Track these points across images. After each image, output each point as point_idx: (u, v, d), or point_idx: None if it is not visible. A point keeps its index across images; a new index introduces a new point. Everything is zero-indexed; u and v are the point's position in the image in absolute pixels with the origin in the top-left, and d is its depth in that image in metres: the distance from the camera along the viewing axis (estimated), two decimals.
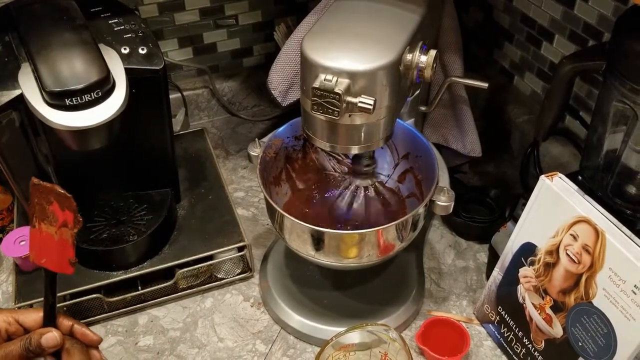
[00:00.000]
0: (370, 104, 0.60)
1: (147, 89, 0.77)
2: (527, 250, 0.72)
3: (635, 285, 0.60)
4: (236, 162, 1.11)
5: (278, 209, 0.71)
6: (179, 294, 0.87)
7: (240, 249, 0.88)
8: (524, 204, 0.71)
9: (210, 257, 0.87)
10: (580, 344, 0.67)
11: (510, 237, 0.74)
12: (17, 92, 0.69)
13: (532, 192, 0.70)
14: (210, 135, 1.14)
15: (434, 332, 0.78)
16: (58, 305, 0.78)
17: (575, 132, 0.93)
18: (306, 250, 0.73)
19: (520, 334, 0.75)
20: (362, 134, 0.67)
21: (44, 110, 0.68)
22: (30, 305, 0.80)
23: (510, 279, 0.75)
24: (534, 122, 0.96)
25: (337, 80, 0.60)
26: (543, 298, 0.71)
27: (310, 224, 0.69)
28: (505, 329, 0.78)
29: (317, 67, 0.62)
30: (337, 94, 0.60)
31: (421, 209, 0.71)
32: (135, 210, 0.89)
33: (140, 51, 0.75)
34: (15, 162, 0.77)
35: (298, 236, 0.72)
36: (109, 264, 0.84)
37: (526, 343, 0.75)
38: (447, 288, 0.88)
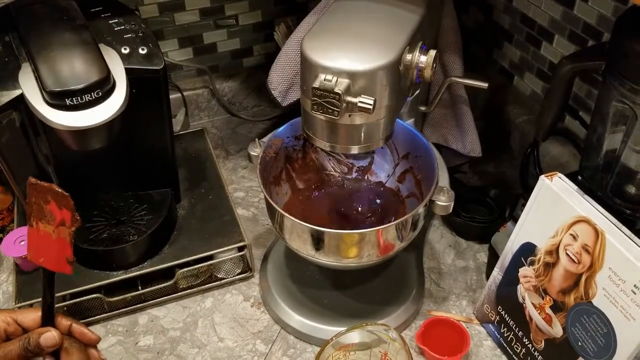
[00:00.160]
0: (370, 104, 0.60)
1: (147, 89, 0.77)
2: (527, 250, 0.72)
3: (635, 285, 0.60)
4: (236, 162, 1.11)
5: (278, 208, 0.71)
6: (179, 293, 0.87)
7: (240, 248, 0.88)
8: (524, 204, 0.71)
9: (211, 257, 0.87)
10: (580, 343, 0.67)
11: (510, 237, 0.74)
12: (17, 92, 0.69)
13: (531, 192, 0.70)
14: (210, 135, 1.14)
15: (434, 332, 0.78)
16: (58, 305, 0.79)
17: (575, 132, 0.93)
18: (306, 250, 0.73)
19: (520, 333, 0.75)
20: (362, 134, 0.67)
21: (44, 110, 0.68)
22: (31, 305, 0.80)
23: (510, 278, 0.75)
24: (533, 122, 0.96)
25: (337, 80, 0.60)
26: (543, 298, 0.71)
27: (310, 224, 0.69)
28: (505, 328, 0.78)
29: (317, 67, 0.62)
30: (337, 93, 0.60)
31: (421, 209, 0.71)
32: (135, 210, 0.90)
33: (141, 51, 0.75)
34: (16, 162, 0.77)
35: (298, 236, 0.72)
36: (109, 264, 0.84)
37: (526, 343, 0.75)
38: (447, 288, 0.88)
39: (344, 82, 0.61)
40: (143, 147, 0.86)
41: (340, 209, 0.86)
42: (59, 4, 0.75)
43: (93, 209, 0.89)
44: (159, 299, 0.86)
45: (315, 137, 0.69)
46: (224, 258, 0.87)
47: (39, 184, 0.57)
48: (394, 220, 0.69)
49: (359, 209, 0.86)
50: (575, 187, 0.67)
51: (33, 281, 0.82)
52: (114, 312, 0.84)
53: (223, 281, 0.88)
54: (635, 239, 0.61)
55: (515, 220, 0.74)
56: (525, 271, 0.73)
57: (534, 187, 0.70)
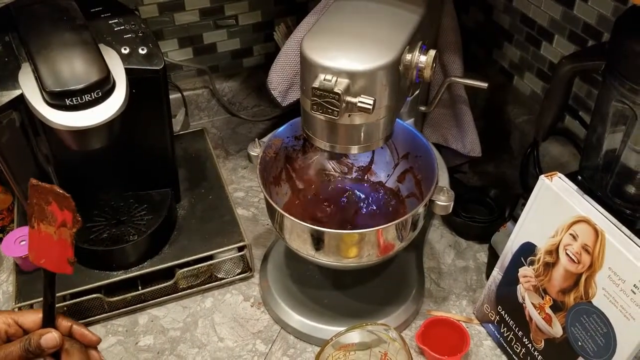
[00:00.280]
0: (370, 104, 0.60)
1: (147, 89, 0.77)
2: (527, 250, 0.72)
3: (634, 285, 0.60)
4: (236, 162, 1.11)
5: (278, 208, 0.71)
6: (179, 293, 0.87)
7: (240, 248, 0.88)
8: (524, 204, 0.71)
9: (211, 257, 0.87)
10: (579, 343, 0.67)
11: (510, 237, 0.74)
12: (17, 92, 0.69)
13: (531, 192, 0.70)
14: (210, 135, 1.14)
15: (434, 332, 0.78)
16: (58, 305, 0.79)
17: (575, 132, 0.93)
18: (306, 250, 0.73)
19: (520, 333, 0.75)
20: (362, 134, 0.67)
21: (44, 110, 0.68)
22: (31, 305, 0.80)
23: (510, 278, 0.75)
24: (533, 122, 0.96)
25: (336, 80, 0.60)
26: (543, 298, 0.71)
27: (310, 224, 0.69)
28: (505, 328, 0.78)
29: (317, 67, 0.62)
30: (337, 93, 0.60)
31: (421, 209, 0.71)
32: (135, 210, 0.90)
33: (141, 51, 0.75)
34: (16, 162, 0.77)
35: (298, 236, 0.72)
36: (109, 264, 0.84)
37: (526, 343, 0.75)
38: (447, 288, 0.88)
39: (343, 82, 0.61)
40: (143, 147, 0.87)
41: (340, 209, 0.86)
42: (59, 4, 0.75)
43: (93, 209, 0.89)
44: (159, 299, 0.86)
45: (315, 137, 0.69)
46: (224, 258, 0.87)
47: (41, 185, 0.57)
48: (394, 221, 0.69)
49: (359, 209, 0.86)
50: (575, 187, 0.67)
51: (33, 281, 0.82)
52: (114, 312, 0.84)
53: (223, 281, 0.88)
54: (635, 239, 0.61)
55: (515, 220, 0.74)
56: (525, 271, 0.73)
57: (533, 187, 0.70)
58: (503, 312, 0.78)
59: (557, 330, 0.70)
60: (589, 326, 0.65)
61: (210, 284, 0.88)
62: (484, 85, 0.80)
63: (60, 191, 0.57)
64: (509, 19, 1.02)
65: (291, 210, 0.83)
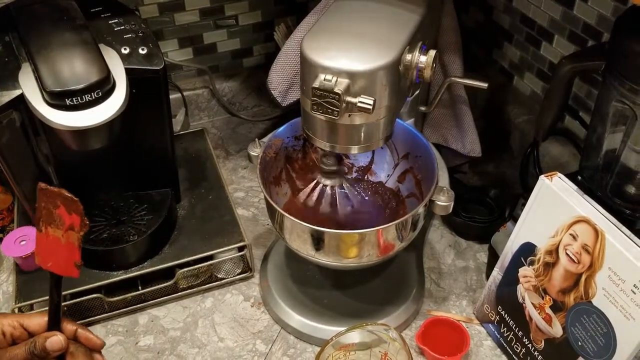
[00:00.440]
0: (370, 104, 0.60)
1: (148, 89, 0.77)
2: (527, 250, 0.72)
3: (634, 285, 0.60)
4: (236, 162, 1.11)
5: (278, 208, 0.71)
6: (179, 293, 0.87)
7: (240, 248, 0.88)
8: (524, 204, 0.71)
9: (211, 257, 0.87)
10: (579, 343, 0.67)
11: (510, 237, 0.74)
12: (17, 92, 0.69)
13: (531, 192, 0.70)
14: (210, 135, 1.14)
15: (434, 332, 0.78)
16: None
17: (575, 132, 0.93)
18: (306, 250, 0.73)
19: (520, 333, 0.75)
20: (362, 134, 0.67)
21: (45, 110, 0.68)
22: (31, 306, 0.80)
23: (510, 278, 0.75)
24: (533, 122, 0.96)
25: (336, 80, 0.60)
26: (543, 298, 0.71)
27: (310, 224, 0.69)
28: (505, 328, 0.78)
29: (317, 67, 0.62)
30: (337, 93, 0.60)
31: (421, 209, 0.71)
32: (135, 210, 0.90)
33: (141, 51, 0.75)
34: (16, 162, 0.77)
35: (298, 236, 0.72)
36: (110, 264, 0.84)
37: (526, 343, 0.75)
38: (447, 288, 0.88)
39: (343, 82, 0.61)
40: (143, 147, 0.87)
41: (340, 209, 0.86)
42: (59, 4, 0.75)
43: (93, 209, 0.89)
44: (159, 299, 0.86)
45: (315, 137, 0.69)
46: (224, 258, 0.87)
47: (49, 189, 0.58)
48: (394, 221, 0.69)
49: (359, 209, 0.86)
50: (575, 187, 0.67)
51: (33, 281, 0.82)
52: (114, 312, 0.84)
53: (223, 281, 0.88)
54: (635, 239, 0.61)
55: (515, 220, 0.74)
56: (525, 271, 0.73)
57: (534, 187, 0.70)
58: (503, 312, 0.78)
59: (557, 330, 0.70)
60: (589, 326, 0.65)
61: (210, 284, 0.88)
62: (484, 85, 0.80)
63: (69, 195, 0.57)
64: (509, 19, 1.02)
65: (291, 210, 0.83)
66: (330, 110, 0.61)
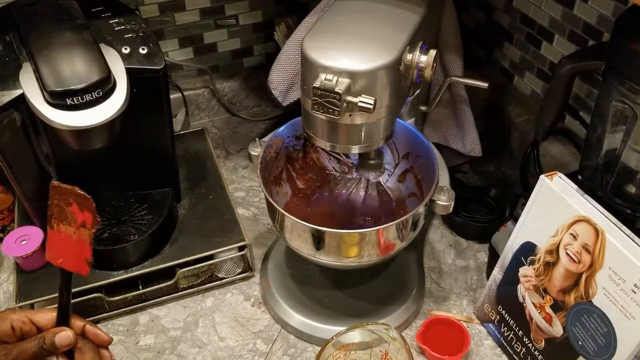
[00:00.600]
0: (371, 104, 0.61)
1: (148, 88, 0.77)
2: (527, 250, 0.72)
3: (635, 285, 0.60)
4: (237, 161, 1.11)
5: (279, 208, 0.71)
6: (180, 293, 0.87)
7: (240, 248, 0.88)
8: (524, 204, 0.72)
9: (211, 257, 0.87)
10: (580, 343, 0.67)
11: (510, 237, 0.74)
12: (18, 92, 0.69)
13: (532, 191, 0.70)
14: (210, 135, 1.14)
15: (434, 332, 0.78)
16: None
17: (575, 131, 0.93)
18: (307, 249, 0.73)
19: (520, 333, 0.75)
20: (363, 134, 0.67)
21: (45, 110, 0.68)
22: (32, 305, 0.80)
23: (511, 278, 0.75)
24: (533, 122, 0.96)
25: (337, 80, 0.60)
26: (543, 297, 0.71)
27: (310, 224, 0.69)
28: (506, 328, 0.78)
29: (318, 67, 0.62)
30: (338, 93, 0.60)
31: (421, 209, 0.71)
32: (135, 209, 0.90)
33: (141, 51, 0.75)
34: (17, 162, 0.77)
35: (298, 235, 0.73)
36: (110, 264, 0.84)
37: (526, 342, 0.75)
38: (448, 287, 0.88)
39: (344, 82, 0.61)
40: (143, 147, 0.87)
41: (340, 209, 0.86)
42: (59, 3, 0.75)
43: None
44: (159, 299, 0.86)
45: (315, 137, 0.69)
46: (225, 258, 0.87)
47: (62, 186, 0.58)
48: (394, 220, 0.69)
49: (359, 208, 0.86)
50: (575, 187, 0.67)
51: (33, 281, 0.82)
52: (114, 312, 0.84)
53: (224, 281, 0.88)
54: (635, 238, 0.61)
55: (516, 220, 0.74)
56: (525, 270, 0.73)
57: (534, 186, 0.70)
58: (503, 312, 0.78)
59: (557, 329, 0.70)
60: (589, 326, 0.65)
61: (210, 284, 0.88)
62: (485, 85, 0.81)
63: (82, 192, 0.58)
64: (509, 18, 1.02)
65: (292, 210, 0.83)
66: (331, 110, 0.61)
